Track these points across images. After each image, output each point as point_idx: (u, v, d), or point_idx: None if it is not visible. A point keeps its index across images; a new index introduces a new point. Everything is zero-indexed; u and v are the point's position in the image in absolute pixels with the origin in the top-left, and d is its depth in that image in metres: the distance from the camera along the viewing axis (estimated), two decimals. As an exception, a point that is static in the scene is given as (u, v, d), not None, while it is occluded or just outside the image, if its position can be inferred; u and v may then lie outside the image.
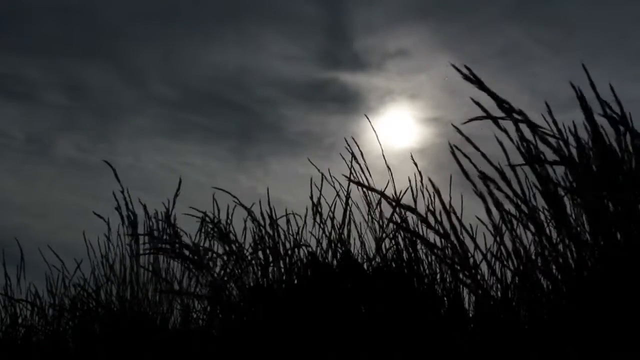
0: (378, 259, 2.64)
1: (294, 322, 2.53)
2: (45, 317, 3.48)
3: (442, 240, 2.04)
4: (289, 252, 2.86)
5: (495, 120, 1.89)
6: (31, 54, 6.99)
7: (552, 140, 1.91)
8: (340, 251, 2.79)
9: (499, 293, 2.05)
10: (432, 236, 2.61)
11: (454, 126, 1.94)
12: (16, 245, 3.72)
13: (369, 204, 2.80)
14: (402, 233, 2.63)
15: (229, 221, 3.09)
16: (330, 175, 2.96)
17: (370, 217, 2.78)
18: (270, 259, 2.88)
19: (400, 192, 2.76)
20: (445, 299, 2.37)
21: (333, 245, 2.81)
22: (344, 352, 2.35)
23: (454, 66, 1.89)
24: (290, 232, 2.97)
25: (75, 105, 7.21)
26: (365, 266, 2.70)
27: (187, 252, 2.95)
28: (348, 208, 2.86)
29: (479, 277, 1.96)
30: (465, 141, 1.98)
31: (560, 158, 1.86)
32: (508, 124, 1.94)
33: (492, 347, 1.92)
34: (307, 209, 2.98)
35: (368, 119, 2.84)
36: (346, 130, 6.45)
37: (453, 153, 1.95)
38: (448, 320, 2.27)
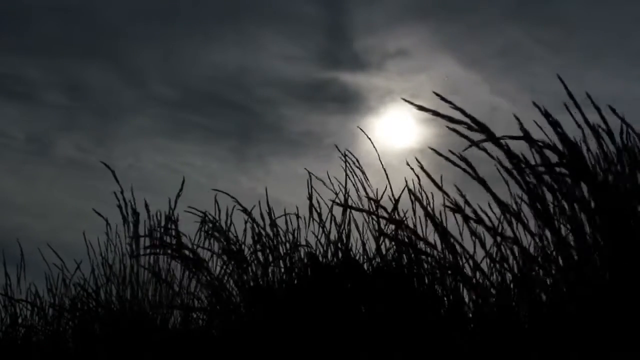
0: (378, 259, 2.64)
1: (294, 322, 2.53)
2: (45, 317, 3.48)
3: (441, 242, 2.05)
4: (289, 252, 2.86)
5: (477, 145, 1.89)
6: (31, 54, 6.99)
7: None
8: (340, 251, 2.79)
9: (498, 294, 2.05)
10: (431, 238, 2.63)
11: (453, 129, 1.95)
12: (16, 245, 3.72)
13: (368, 204, 2.80)
14: (402, 233, 2.63)
15: (228, 222, 3.10)
16: (330, 176, 2.96)
17: (370, 217, 2.78)
18: (270, 259, 2.88)
19: (397, 198, 2.75)
20: (445, 299, 2.37)
21: (333, 245, 2.81)
22: (344, 352, 2.35)
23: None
24: (290, 232, 2.97)
25: (75, 105, 7.22)
26: (365, 266, 2.70)
27: (187, 252, 2.95)
28: (347, 208, 2.86)
29: (478, 277, 1.96)
30: (465, 142, 1.99)
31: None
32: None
33: (492, 347, 1.92)
34: (311, 210, 2.98)
35: (362, 130, 2.83)
36: (346, 130, 6.45)
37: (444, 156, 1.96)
38: (448, 320, 2.27)
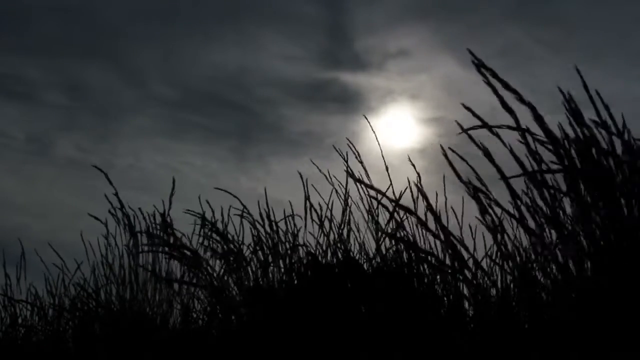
0: (378, 259, 2.63)
1: (294, 322, 2.52)
2: (45, 317, 3.48)
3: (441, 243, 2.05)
4: (289, 252, 2.86)
5: (490, 128, 1.89)
6: (31, 54, 6.99)
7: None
8: (340, 251, 2.79)
9: (498, 293, 2.05)
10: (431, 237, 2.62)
11: (460, 126, 1.94)
12: (16, 245, 3.72)
13: (369, 203, 2.80)
14: (402, 233, 2.63)
15: (226, 222, 3.10)
16: (330, 176, 2.95)
17: (370, 217, 2.78)
18: (270, 259, 2.88)
19: (400, 192, 2.75)
20: (445, 299, 2.37)
21: (333, 245, 2.81)
22: (345, 352, 2.35)
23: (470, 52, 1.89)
24: (290, 232, 2.97)
25: (75, 106, 7.22)
26: (365, 266, 2.70)
27: (185, 252, 2.95)
28: (347, 208, 2.86)
29: (478, 276, 1.96)
30: (466, 141, 1.98)
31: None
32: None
33: (492, 347, 1.92)
34: (306, 209, 2.98)
35: (367, 119, 2.84)
36: (347, 130, 6.46)
37: (446, 156, 1.95)
38: (448, 320, 2.27)
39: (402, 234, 2.62)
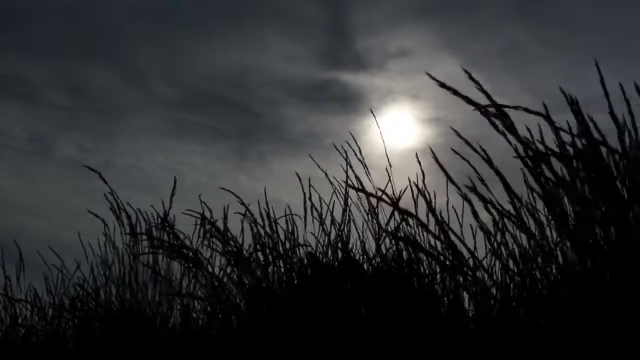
0: (378, 259, 2.63)
1: (294, 322, 2.52)
2: (45, 317, 3.48)
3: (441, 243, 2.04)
4: (289, 252, 2.85)
5: (491, 120, 1.88)
6: (32, 54, 6.99)
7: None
8: (340, 251, 2.78)
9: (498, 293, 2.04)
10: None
11: (452, 129, 1.94)
12: (16, 245, 3.72)
13: (369, 203, 2.79)
14: (402, 233, 2.62)
15: (226, 221, 3.09)
16: (330, 175, 2.95)
17: (370, 216, 2.78)
18: (270, 259, 2.87)
19: (401, 191, 2.75)
20: (445, 299, 2.36)
21: (333, 245, 2.81)
22: (345, 353, 2.35)
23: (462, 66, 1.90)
24: (290, 232, 2.96)
25: (76, 106, 7.22)
26: (365, 266, 2.69)
27: (186, 252, 2.95)
28: (347, 208, 2.86)
29: (478, 276, 1.95)
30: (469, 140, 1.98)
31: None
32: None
33: (492, 347, 1.92)
34: (306, 209, 2.98)
35: (372, 113, 2.83)
36: (347, 130, 6.44)
37: (436, 159, 1.95)
38: (448, 320, 2.26)
39: (402, 234, 2.62)
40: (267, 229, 2.95)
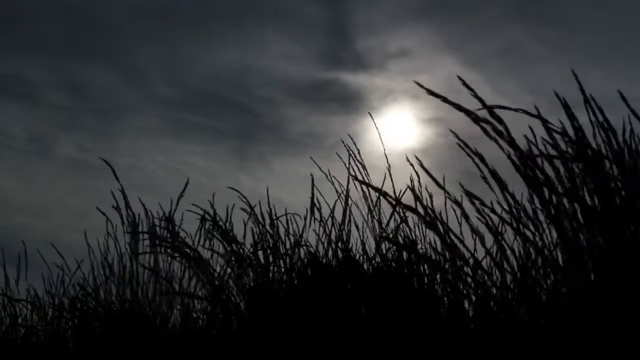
0: (378, 259, 2.63)
1: (294, 322, 2.52)
2: (45, 317, 3.48)
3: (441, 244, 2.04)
4: (289, 251, 2.85)
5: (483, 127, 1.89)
6: (32, 54, 6.99)
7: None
8: (341, 251, 2.78)
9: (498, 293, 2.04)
10: (432, 237, 2.62)
11: (451, 131, 1.95)
12: (16, 245, 3.72)
13: (369, 203, 2.79)
14: (402, 233, 2.63)
15: (229, 220, 3.09)
16: (331, 175, 2.95)
17: (370, 216, 2.78)
18: (271, 258, 2.87)
19: (401, 191, 2.75)
20: (445, 299, 2.36)
21: (333, 245, 2.81)
22: (345, 353, 2.35)
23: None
24: (291, 231, 2.96)
25: (76, 106, 7.22)
26: (365, 266, 2.69)
27: (187, 251, 2.94)
28: (348, 207, 2.86)
29: (478, 277, 1.95)
30: (469, 140, 1.98)
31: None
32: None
33: (492, 347, 1.92)
34: (307, 209, 2.98)
35: (371, 115, 2.84)
36: (348, 130, 6.44)
37: (421, 165, 1.95)
38: (448, 320, 2.26)
39: (402, 233, 2.62)
40: (268, 228, 2.95)
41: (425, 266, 2.47)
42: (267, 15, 6.67)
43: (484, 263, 2.22)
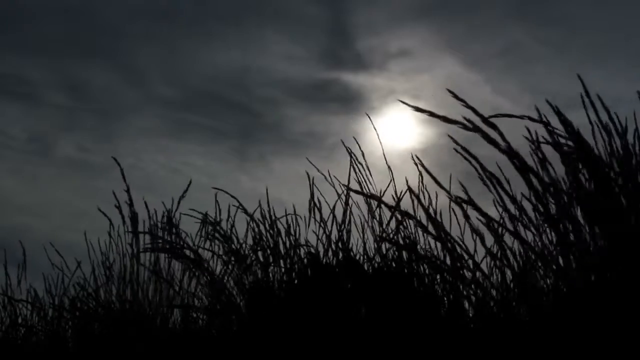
0: (378, 259, 2.63)
1: (294, 322, 2.52)
2: (45, 317, 3.48)
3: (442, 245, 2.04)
4: (289, 252, 2.85)
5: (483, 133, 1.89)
6: (32, 54, 6.99)
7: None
8: (341, 251, 2.78)
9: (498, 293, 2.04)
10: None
11: (449, 136, 1.95)
12: (16, 245, 3.72)
13: (369, 203, 2.79)
14: (403, 233, 2.62)
15: (230, 221, 3.09)
16: (331, 176, 2.95)
17: (370, 216, 2.78)
18: (271, 259, 2.87)
19: (401, 192, 2.75)
20: (445, 299, 2.36)
21: (333, 245, 2.81)
22: (345, 353, 2.35)
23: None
24: (291, 232, 2.96)
25: (76, 106, 7.22)
26: (365, 266, 2.69)
27: (188, 252, 2.94)
28: (348, 208, 2.86)
29: (477, 276, 1.95)
30: (470, 140, 1.98)
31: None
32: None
33: (492, 347, 1.91)
34: (310, 209, 2.97)
35: (369, 117, 2.83)
36: (348, 130, 6.45)
37: (422, 166, 1.96)
38: (448, 320, 2.26)
39: (402, 234, 2.62)
40: (268, 228, 2.95)
41: (425, 266, 2.47)
42: (267, 15, 6.67)
43: (484, 263, 2.23)
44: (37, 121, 7.29)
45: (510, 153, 1.86)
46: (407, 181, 2.65)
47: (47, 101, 7.19)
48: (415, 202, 2.65)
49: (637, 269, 1.64)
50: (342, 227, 2.84)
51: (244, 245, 2.98)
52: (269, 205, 3.01)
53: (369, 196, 2.59)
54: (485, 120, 1.88)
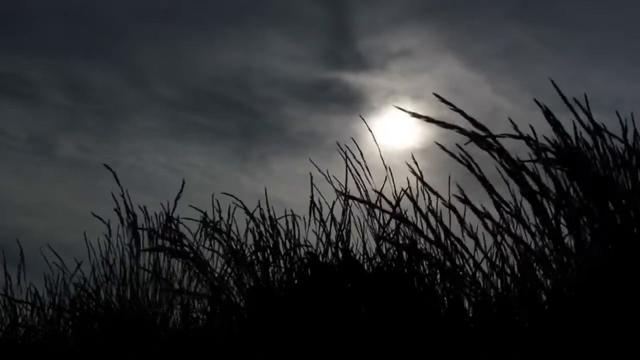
0: (378, 259, 2.63)
1: (294, 322, 2.52)
2: (45, 317, 3.48)
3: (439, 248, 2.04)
4: (289, 252, 2.85)
5: (477, 141, 1.89)
6: (34, 54, 7.00)
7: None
8: (341, 251, 2.78)
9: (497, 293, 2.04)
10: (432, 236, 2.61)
11: (438, 144, 1.96)
12: (16, 245, 3.72)
13: (369, 204, 2.79)
14: (402, 233, 2.62)
15: (230, 221, 3.09)
16: (330, 175, 2.94)
17: (370, 216, 2.77)
18: (271, 259, 2.87)
19: (400, 193, 2.74)
20: (445, 299, 2.36)
21: (333, 245, 2.80)
22: (345, 353, 2.34)
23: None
24: (291, 232, 2.96)
25: (77, 106, 7.22)
26: (365, 266, 2.69)
27: (187, 250, 2.94)
28: (348, 208, 2.85)
29: (477, 277, 1.95)
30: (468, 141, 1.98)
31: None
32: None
33: (492, 347, 1.91)
34: (311, 210, 2.97)
35: (363, 119, 2.84)
36: (349, 130, 6.44)
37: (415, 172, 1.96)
38: (448, 320, 2.26)
39: (402, 234, 2.61)
40: (268, 228, 2.95)
41: (425, 266, 2.47)
42: (268, 15, 6.67)
43: (484, 262, 2.22)
44: (37, 121, 7.30)
45: (505, 157, 1.86)
46: (408, 181, 2.65)
47: (47, 101, 7.19)
48: (415, 203, 2.65)
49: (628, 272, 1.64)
50: (342, 227, 2.83)
51: (243, 246, 2.98)
52: (268, 205, 3.01)
53: (366, 203, 2.60)
54: (476, 125, 1.89)
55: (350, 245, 2.82)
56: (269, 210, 2.99)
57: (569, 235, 1.82)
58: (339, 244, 2.80)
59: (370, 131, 2.79)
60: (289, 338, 2.48)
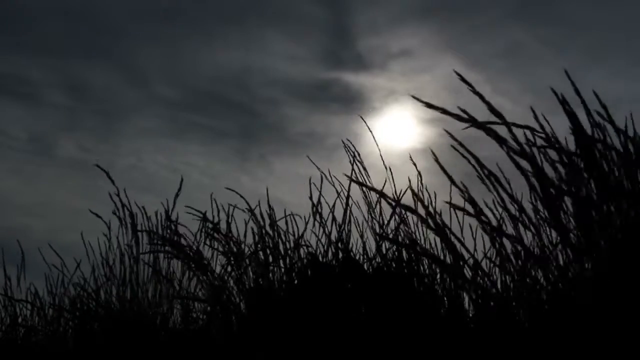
0: (378, 259, 2.63)
1: (294, 322, 2.52)
2: (45, 317, 3.48)
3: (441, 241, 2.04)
4: (289, 252, 2.85)
5: (484, 127, 1.89)
6: (33, 54, 6.99)
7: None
8: (341, 251, 2.78)
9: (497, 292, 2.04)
10: (432, 237, 2.62)
11: (446, 131, 1.95)
12: (16, 245, 3.72)
13: (369, 203, 2.79)
14: (402, 233, 2.62)
15: (229, 221, 3.09)
16: (331, 175, 2.95)
17: (370, 216, 2.77)
18: (271, 259, 2.87)
19: (401, 192, 2.75)
20: (445, 299, 2.36)
21: (333, 245, 2.80)
22: (345, 353, 2.34)
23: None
24: (291, 232, 2.96)
25: (77, 106, 7.22)
26: (365, 266, 2.69)
27: (188, 251, 2.94)
28: (348, 208, 2.85)
29: (478, 277, 1.95)
30: (471, 140, 1.98)
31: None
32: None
33: (492, 347, 1.91)
34: (311, 209, 2.97)
35: (363, 119, 2.84)
36: (349, 130, 6.44)
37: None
38: (448, 320, 2.26)
39: (402, 232, 2.61)
40: (268, 228, 2.95)
41: (425, 266, 2.47)
42: (268, 15, 6.67)
43: (485, 261, 2.22)
44: (37, 121, 7.30)
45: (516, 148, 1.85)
46: (409, 181, 2.66)
47: (47, 101, 7.19)
48: (415, 202, 2.65)
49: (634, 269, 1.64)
50: (342, 226, 2.83)
51: (242, 246, 2.98)
52: (269, 205, 3.01)
53: (369, 188, 2.59)
54: (491, 108, 1.88)
55: (350, 245, 2.82)
56: (270, 211, 2.99)
57: (577, 230, 1.81)
58: (339, 244, 2.80)
59: (370, 131, 2.79)
60: (289, 338, 2.48)
